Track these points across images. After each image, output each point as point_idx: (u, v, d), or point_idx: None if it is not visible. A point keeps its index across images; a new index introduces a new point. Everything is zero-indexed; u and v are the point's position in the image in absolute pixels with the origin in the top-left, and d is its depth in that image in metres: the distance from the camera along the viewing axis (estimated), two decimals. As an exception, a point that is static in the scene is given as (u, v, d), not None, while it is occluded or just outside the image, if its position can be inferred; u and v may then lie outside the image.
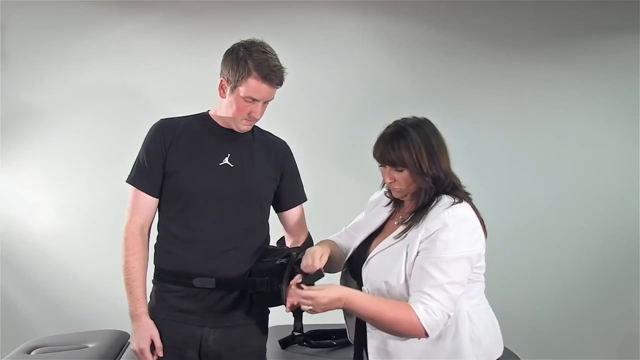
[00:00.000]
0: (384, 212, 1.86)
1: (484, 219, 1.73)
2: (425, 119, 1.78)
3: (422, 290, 1.60)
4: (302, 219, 2.09)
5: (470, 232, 1.66)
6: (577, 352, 3.52)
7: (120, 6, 3.37)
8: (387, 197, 1.86)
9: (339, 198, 3.40)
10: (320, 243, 1.94)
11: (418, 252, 1.65)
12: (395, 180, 1.74)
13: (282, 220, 2.09)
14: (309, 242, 2.02)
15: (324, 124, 3.49)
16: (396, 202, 1.84)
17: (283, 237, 2.10)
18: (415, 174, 1.69)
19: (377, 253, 1.74)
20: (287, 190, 2.04)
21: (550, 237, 3.58)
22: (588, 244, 3.57)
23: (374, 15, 3.51)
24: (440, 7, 3.50)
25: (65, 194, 3.39)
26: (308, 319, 2.13)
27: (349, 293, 1.65)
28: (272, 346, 2.28)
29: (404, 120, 1.77)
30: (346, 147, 3.49)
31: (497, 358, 1.77)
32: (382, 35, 3.53)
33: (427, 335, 1.60)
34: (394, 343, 1.69)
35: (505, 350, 2.45)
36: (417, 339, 1.64)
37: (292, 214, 2.06)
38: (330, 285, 1.67)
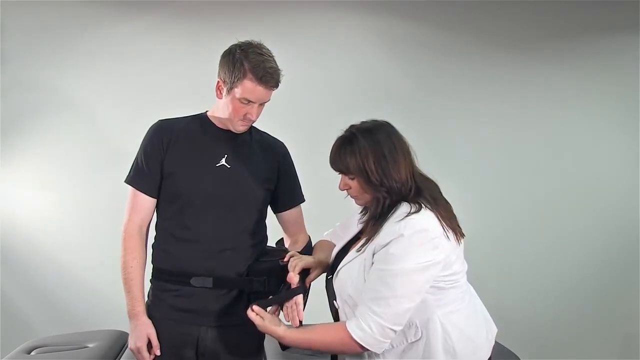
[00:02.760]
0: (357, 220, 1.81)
1: (458, 221, 1.68)
2: (383, 122, 1.72)
3: (365, 303, 1.58)
4: (300, 219, 2.10)
5: (422, 243, 1.57)
6: (577, 352, 3.52)
7: (120, 6, 3.37)
8: (358, 205, 1.79)
9: (336, 198, 3.39)
10: (318, 250, 1.93)
11: (373, 264, 1.61)
12: (350, 188, 1.70)
13: (280, 221, 2.10)
14: (308, 246, 2.02)
15: (322, 124, 3.46)
16: (366, 209, 1.77)
17: (282, 238, 2.11)
18: (365, 182, 1.65)
19: (343, 266, 1.71)
20: (284, 190, 2.04)
21: (550, 237, 3.58)
22: (588, 243, 3.57)
23: (374, 15, 3.51)
24: (440, 7, 3.50)
25: (65, 193, 3.39)
26: (308, 320, 2.13)
27: (280, 332, 1.65)
28: (272, 347, 2.28)
29: (360, 124, 1.71)
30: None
31: None
32: (381, 35, 3.53)
33: (366, 349, 1.58)
34: (366, 353, 1.66)
35: (505, 350, 2.45)
36: (388, 348, 1.62)
37: (290, 214, 2.07)
38: (274, 318, 1.69)
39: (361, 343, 1.56)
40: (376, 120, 1.72)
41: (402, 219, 1.59)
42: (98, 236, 3.32)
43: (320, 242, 2.00)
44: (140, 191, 1.92)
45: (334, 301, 1.74)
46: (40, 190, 3.38)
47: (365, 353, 1.66)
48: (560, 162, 3.59)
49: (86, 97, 3.37)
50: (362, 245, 1.66)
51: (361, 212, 1.80)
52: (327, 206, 3.12)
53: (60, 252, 3.37)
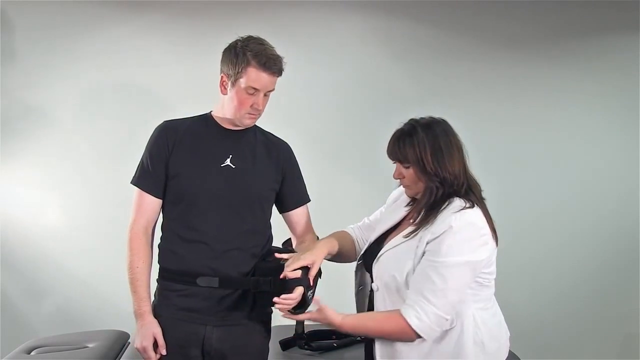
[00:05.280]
0: (402, 210, 1.89)
1: (494, 225, 1.77)
2: (441, 120, 1.81)
3: (421, 293, 1.66)
4: (306, 219, 2.10)
5: (474, 238, 1.68)
6: (577, 352, 3.52)
7: (121, 6, 3.36)
8: (408, 195, 1.88)
9: (340, 198, 3.41)
10: (324, 239, 1.98)
11: (424, 253, 1.69)
12: (404, 177, 1.79)
13: (287, 221, 2.11)
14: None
15: (325, 124, 3.49)
16: (414, 201, 1.87)
17: (290, 238, 2.11)
18: (420, 172, 1.74)
19: (387, 250, 1.79)
20: (289, 191, 2.05)
21: (550, 237, 3.58)
22: (588, 244, 3.57)
23: (374, 15, 3.51)
24: (440, 7, 3.50)
25: (66, 194, 3.39)
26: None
27: (340, 321, 1.73)
28: (272, 347, 2.28)
29: (420, 119, 1.81)
30: (347, 147, 3.49)
31: None
32: (382, 35, 3.53)
33: (420, 337, 1.67)
34: (400, 342, 1.73)
35: (506, 350, 2.44)
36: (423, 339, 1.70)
37: (296, 214, 2.08)
38: (330, 311, 1.74)
39: (418, 332, 1.65)
40: (434, 117, 1.82)
41: (457, 211, 1.68)
42: (98, 236, 3.32)
43: (335, 232, 2.04)
44: (146, 192, 1.94)
45: (371, 284, 1.82)
46: (41, 190, 3.37)
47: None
48: (559, 162, 3.59)
49: (87, 97, 3.36)
50: (412, 232, 1.74)
51: (409, 203, 1.88)
52: (331, 206, 3.14)
53: (61, 252, 3.36)
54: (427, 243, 1.68)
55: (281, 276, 1.77)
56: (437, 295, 1.64)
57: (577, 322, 3.57)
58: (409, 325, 1.65)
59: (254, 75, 1.85)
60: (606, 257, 3.57)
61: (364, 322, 1.76)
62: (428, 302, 1.64)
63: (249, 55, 1.85)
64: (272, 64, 1.86)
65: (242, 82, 1.86)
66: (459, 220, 1.66)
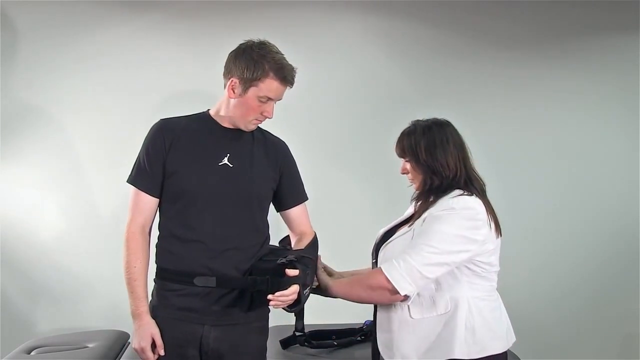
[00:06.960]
0: (412, 208, 2.00)
1: (498, 218, 1.85)
2: (444, 120, 1.93)
3: (404, 251, 1.79)
4: (304, 218, 2.09)
5: (469, 218, 1.77)
6: (577, 352, 3.53)
7: (121, 6, 3.36)
8: (415, 189, 1.98)
9: (340, 197, 3.41)
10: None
11: None
12: (408, 172, 1.93)
13: (285, 220, 2.10)
14: (314, 243, 2.03)
15: (325, 124, 3.49)
16: None
17: (287, 235, 2.11)
18: (415, 163, 1.88)
19: (393, 239, 1.89)
20: (287, 189, 2.05)
21: (550, 236, 3.58)
22: (588, 244, 3.57)
23: (375, 15, 3.51)
24: (440, 7, 3.50)
25: (66, 193, 3.39)
26: (309, 319, 2.14)
27: (331, 284, 1.92)
28: (272, 346, 2.28)
29: (424, 120, 1.93)
30: (347, 147, 3.49)
31: (491, 354, 1.81)
32: (382, 35, 3.53)
33: (397, 292, 1.74)
34: (397, 320, 1.83)
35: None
36: (419, 318, 1.79)
37: (294, 213, 2.07)
38: (324, 274, 1.97)
39: (387, 275, 1.75)
40: (438, 118, 1.94)
41: (455, 196, 1.80)
42: (99, 236, 3.31)
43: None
44: (143, 191, 1.92)
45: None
46: (41, 189, 3.37)
47: (396, 318, 1.82)
48: (560, 163, 3.59)
49: (87, 96, 3.37)
50: (415, 221, 1.85)
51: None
52: (330, 205, 3.14)
53: (61, 252, 3.36)
54: (424, 221, 1.80)
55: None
56: (415, 249, 1.75)
57: (577, 322, 3.57)
58: (383, 274, 1.75)
59: (271, 86, 1.86)
60: (606, 257, 3.57)
61: (351, 283, 1.91)
62: (405, 254, 1.76)
63: (267, 66, 1.84)
64: (290, 77, 1.89)
65: (257, 90, 1.86)
66: (456, 203, 1.78)
